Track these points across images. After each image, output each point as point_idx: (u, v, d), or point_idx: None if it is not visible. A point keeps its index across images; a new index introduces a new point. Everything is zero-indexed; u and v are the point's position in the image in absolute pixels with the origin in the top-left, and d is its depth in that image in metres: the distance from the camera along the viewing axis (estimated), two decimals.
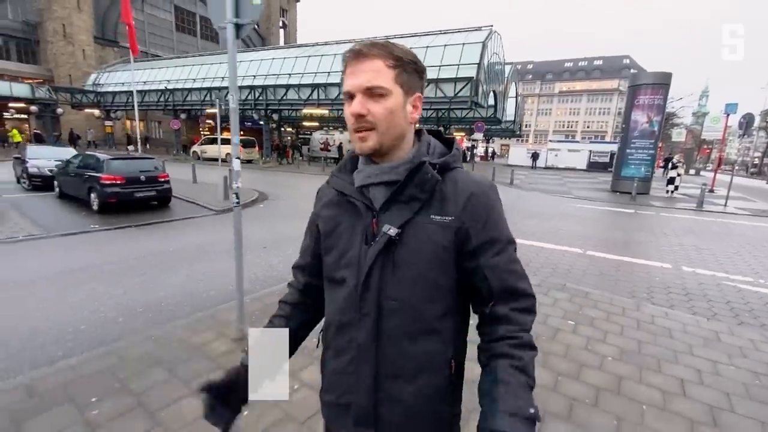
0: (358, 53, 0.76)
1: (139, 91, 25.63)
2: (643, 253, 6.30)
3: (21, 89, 25.47)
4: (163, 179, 9.33)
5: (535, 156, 31.33)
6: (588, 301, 3.95)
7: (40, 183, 10.93)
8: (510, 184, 16.89)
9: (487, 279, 0.79)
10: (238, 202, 2.75)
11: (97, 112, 28.86)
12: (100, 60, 34.84)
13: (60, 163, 10.90)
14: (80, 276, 4.58)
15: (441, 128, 25.40)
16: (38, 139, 23.70)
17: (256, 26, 41.52)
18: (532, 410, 0.69)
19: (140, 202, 8.96)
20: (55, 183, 10.25)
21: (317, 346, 0.95)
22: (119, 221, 7.66)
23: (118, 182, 8.52)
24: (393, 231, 0.77)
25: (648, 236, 7.76)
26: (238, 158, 2.69)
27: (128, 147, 33.33)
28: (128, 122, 38.68)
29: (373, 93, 0.75)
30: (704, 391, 2.52)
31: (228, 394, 0.87)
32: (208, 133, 35.22)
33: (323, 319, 0.95)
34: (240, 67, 22.93)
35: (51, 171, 10.94)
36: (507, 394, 0.70)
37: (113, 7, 36.28)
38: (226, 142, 23.80)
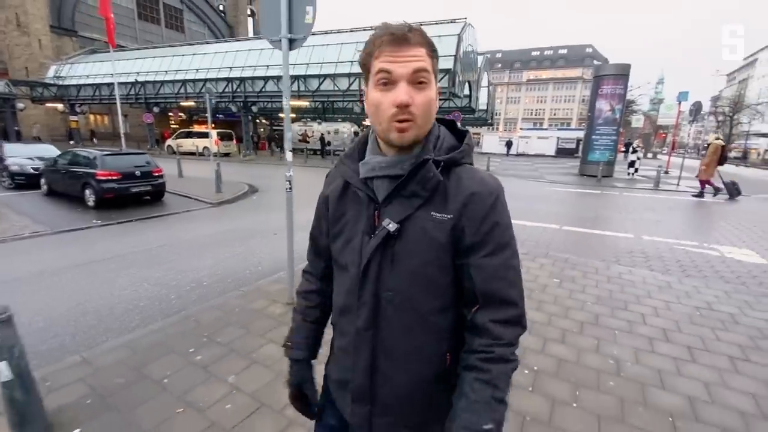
0: (402, 39, 0.73)
1: (107, 84, 24.81)
2: (610, 227, 7.25)
3: None
4: (157, 174, 9.48)
5: (509, 144, 32.58)
6: (567, 264, 4.74)
7: (23, 181, 10.74)
8: (486, 170, 17.82)
9: (473, 279, 0.78)
10: (290, 188, 3.27)
11: (60, 106, 27.50)
12: (58, 50, 32.95)
13: (44, 160, 10.78)
14: (110, 265, 4.93)
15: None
16: (19, 137, 23.23)
17: (222, 14, 40.53)
18: (487, 426, 0.71)
19: (136, 197, 9.11)
20: (42, 181, 10.13)
21: (330, 323, 1.03)
22: (117, 216, 7.82)
23: (114, 178, 8.62)
24: (392, 226, 0.78)
25: (613, 213, 8.78)
26: (291, 151, 3.19)
27: (93, 140, 32.04)
28: (92, 117, 37.09)
29: (418, 82, 0.74)
30: (659, 320, 3.32)
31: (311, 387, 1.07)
32: (177, 126, 34.41)
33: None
34: (215, 59, 22.59)
35: (35, 169, 10.79)
36: (465, 410, 0.73)
37: None
38: (202, 135, 23.71)
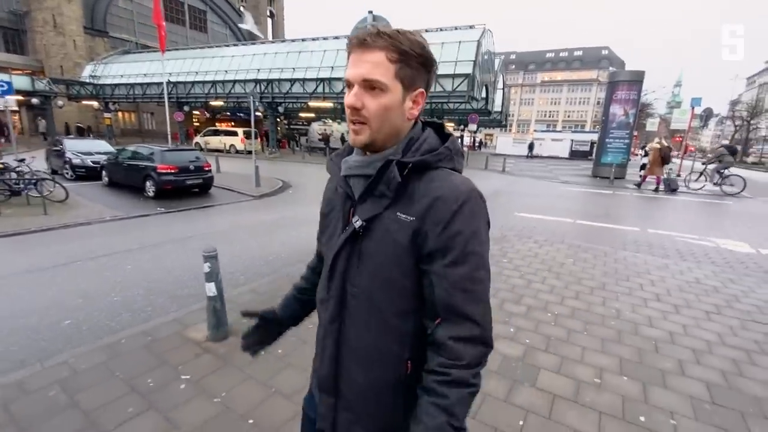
0: (362, 42, 0.75)
1: (140, 84, 26.22)
2: (619, 221, 8.05)
3: (21, 81, 25.53)
4: (207, 168, 10.57)
5: (531, 146, 32.78)
6: (580, 249, 5.60)
7: (83, 173, 11.92)
8: (502, 171, 18.62)
9: (433, 288, 0.76)
10: None
11: (95, 104, 29.05)
12: (90, 50, 34.62)
13: (103, 155, 12.00)
14: (196, 242, 5.94)
15: (436, 119, 27.16)
16: (81, 133, 24.95)
17: (243, 15, 41.63)
18: None
19: (189, 188, 10.20)
20: (104, 173, 11.29)
21: None
22: (176, 205, 8.88)
23: (172, 171, 9.72)
24: (358, 223, 0.81)
25: (623, 210, 9.57)
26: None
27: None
28: (120, 114, 38.78)
29: (370, 86, 0.75)
30: (654, 288, 4.18)
31: (265, 326, 1.12)
32: (198, 124, 35.87)
33: None
34: (244, 61, 23.76)
35: (94, 162, 11.98)
36: None
37: None
38: (229, 133, 24.95)
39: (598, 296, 3.90)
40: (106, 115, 28.93)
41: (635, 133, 18.70)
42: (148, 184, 9.77)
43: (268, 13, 55.33)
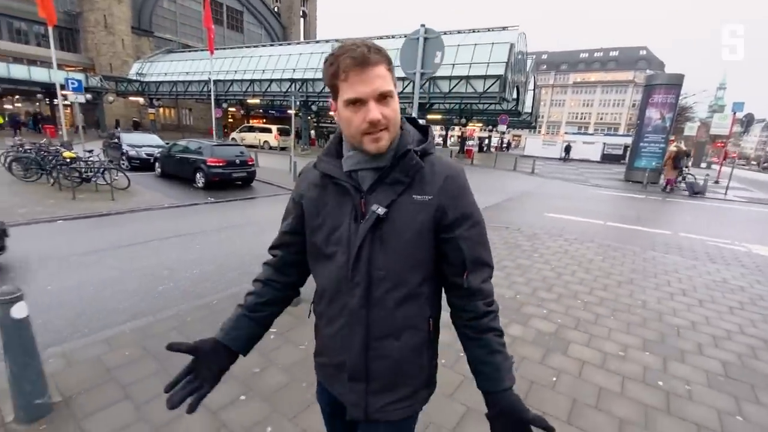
0: (364, 60, 0.81)
1: (182, 82, 27.67)
2: (650, 224, 8.17)
3: (58, 76, 27.46)
4: (251, 163, 11.30)
5: (567, 148, 31.25)
6: (610, 249, 5.85)
7: (137, 164, 12.96)
8: (531, 172, 18.65)
9: (461, 249, 0.91)
10: None
11: (141, 100, 30.86)
12: (137, 49, 36.70)
13: (155, 147, 13.02)
14: (252, 228, 6.58)
15: (462, 120, 26.53)
16: (136, 127, 26.81)
17: (278, 15, 42.90)
18: (513, 363, 0.93)
19: (234, 181, 10.96)
20: (157, 165, 12.26)
21: (308, 317, 1.10)
22: (223, 196, 9.60)
23: (221, 164, 10.50)
24: (381, 210, 0.87)
25: (655, 214, 9.61)
26: None
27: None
28: (161, 110, 40.91)
29: (383, 96, 0.83)
30: (681, 285, 4.43)
31: (201, 363, 0.95)
32: (232, 121, 37.39)
33: (314, 292, 1.04)
34: (280, 60, 24.71)
35: (148, 154, 13.00)
36: (504, 363, 0.91)
37: None
38: (264, 130, 26.04)
39: (626, 289, 4.21)
40: (150, 110, 30.69)
41: (672, 138, 18.25)
42: (198, 175, 10.59)
43: (301, 14, 56.61)
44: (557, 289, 4.11)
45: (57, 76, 11.88)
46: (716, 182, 17.80)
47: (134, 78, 30.68)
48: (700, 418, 2.22)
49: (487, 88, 17.99)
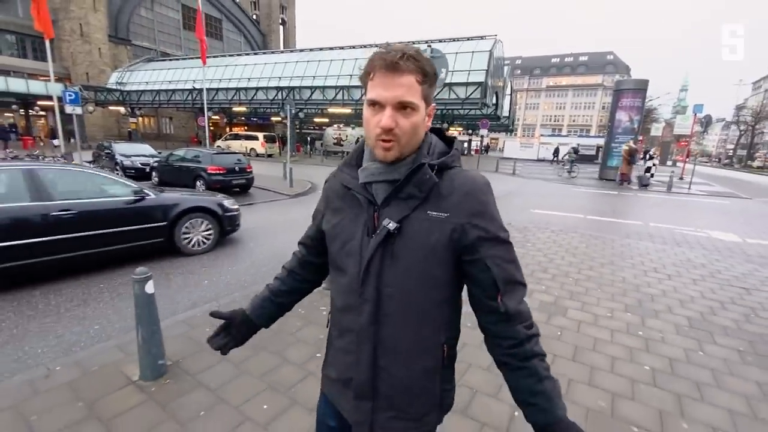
0: (393, 65, 0.79)
1: (165, 90, 27.57)
2: (624, 217, 9.07)
3: (55, 88, 26.92)
4: (249, 170, 11.67)
5: (556, 151, 31.21)
6: (591, 238, 6.62)
7: (133, 174, 13.09)
8: (513, 173, 19.65)
9: (490, 270, 0.85)
10: None
11: (122, 110, 30.47)
12: (114, 58, 36.13)
13: (149, 157, 13.24)
14: (266, 230, 7.02)
15: (444, 125, 27.36)
16: (130, 137, 27.00)
17: (257, 23, 43.05)
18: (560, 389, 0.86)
19: (233, 188, 11.29)
20: (153, 173, 12.46)
21: (327, 326, 1.07)
22: None
23: (221, 172, 10.84)
24: (392, 225, 0.84)
25: (628, 208, 10.58)
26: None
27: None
28: (140, 119, 40.30)
29: (404, 108, 0.80)
30: (652, 263, 5.20)
31: (233, 327, 1.12)
32: (213, 128, 37.27)
33: (330, 299, 1.04)
34: (266, 69, 25.04)
35: (143, 164, 13.17)
36: (554, 389, 0.84)
37: (125, 7, 37.62)
38: (250, 137, 26.22)
39: (608, 269, 4.93)
40: (132, 120, 30.32)
41: (641, 138, 19.66)
42: (198, 183, 10.87)
43: (280, 21, 56.86)
44: (551, 270, 4.79)
45: (54, 89, 12.01)
46: (681, 178, 19.24)
47: (114, 87, 30.25)
48: (671, 354, 2.90)
49: (470, 95, 18.92)
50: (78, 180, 4.59)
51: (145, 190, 4.97)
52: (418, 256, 0.85)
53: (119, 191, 4.77)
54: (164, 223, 5.10)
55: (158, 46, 40.43)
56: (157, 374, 2.45)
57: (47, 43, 10.71)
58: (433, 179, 0.85)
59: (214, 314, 1.11)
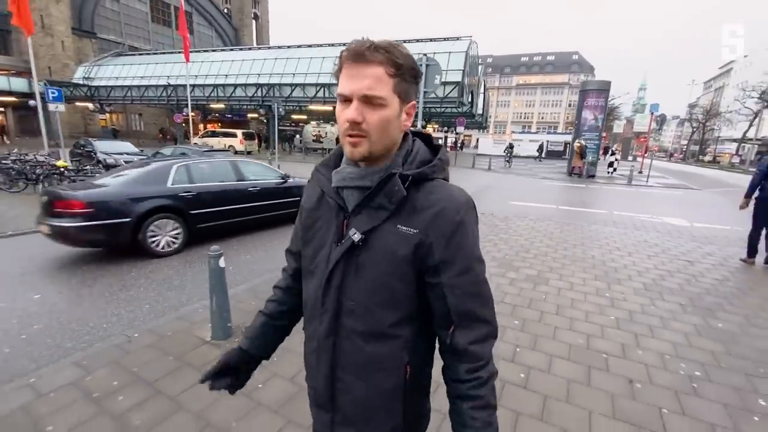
0: (359, 56, 0.74)
1: (137, 86, 26.87)
2: (591, 206, 10.09)
3: (19, 83, 25.72)
4: None
5: (541, 147, 32.59)
6: (564, 224, 7.49)
7: None
8: (488, 169, 20.69)
9: (446, 298, 0.79)
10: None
11: (91, 105, 29.39)
12: (78, 51, 34.61)
13: (131, 155, 13.22)
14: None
15: (422, 123, 28.02)
16: (114, 135, 26.05)
17: (228, 17, 42.31)
18: None
19: None
20: None
21: (303, 328, 1.00)
22: None
23: None
24: (357, 236, 0.79)
25: (594, 199, 11.67)
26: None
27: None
28: (109, 115, 38.83)
29: (371, 101, 0.74)
30: (616, 244, 6.08)
31: (228, 376, 1.01)
32: (185, 126, 36.56)
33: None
34: (244, 66, 24.92)
35: (126, 162, 13.12)
36: None
37: None
38: (228, 135, 26.02)
39: (580, 249, 5.75)
40: (101, 116, 29.32)
41: (604, 135, 21.25)
42: None
43: (253, 16, 55.90)
44: (533, 251, 5.55)
45: (17, 84, 11.83)
46: (640, 172, 20.88)
47: (81, 82, 29.12)
48: (631, 308, 3.69)
49: (447, 94, 19.73)
50: (252, 168, 6.59)
51: (286, 175, 6.92)
52: (381, 271, 0.80)
53: (273, 175, 6.76)
54: (299, 198, 5.62)
55: (125, 39, 38.96)
56: (227, 335, 2.96)
57: (29, 40, 10.54)
58: (402, 192, 0.78)
59: (205, 379, 1.00)
